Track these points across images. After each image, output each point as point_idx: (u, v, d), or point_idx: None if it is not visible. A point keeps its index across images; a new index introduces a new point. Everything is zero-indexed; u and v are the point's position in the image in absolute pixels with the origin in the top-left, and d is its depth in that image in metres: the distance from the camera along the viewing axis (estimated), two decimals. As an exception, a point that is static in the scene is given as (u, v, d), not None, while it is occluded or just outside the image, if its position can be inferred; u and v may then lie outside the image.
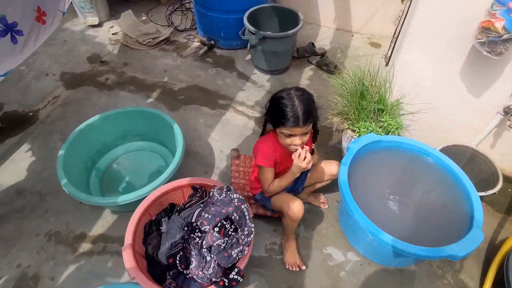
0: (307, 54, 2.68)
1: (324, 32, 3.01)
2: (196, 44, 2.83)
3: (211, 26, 2.65)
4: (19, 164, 1.87)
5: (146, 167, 1.86)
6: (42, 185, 1.77)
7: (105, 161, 1.85)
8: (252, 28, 2.22)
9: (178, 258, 1.21)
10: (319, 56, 2.66)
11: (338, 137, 1.99)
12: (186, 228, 1.28)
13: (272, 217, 1.63)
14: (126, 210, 1.64)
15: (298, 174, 1.29)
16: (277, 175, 1.39)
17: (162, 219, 1.43)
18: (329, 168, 1.53)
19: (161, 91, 2.37)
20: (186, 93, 2.36)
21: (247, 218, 1.24)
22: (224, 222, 1.18)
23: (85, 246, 1.55)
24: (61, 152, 1.58)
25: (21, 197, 1.72)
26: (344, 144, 1.79)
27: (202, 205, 1.38)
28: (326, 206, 1.73)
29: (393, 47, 2.13)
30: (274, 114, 1.21)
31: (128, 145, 1.93)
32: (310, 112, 1.18)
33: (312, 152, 1.41)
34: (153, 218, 1.45)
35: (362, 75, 1.72)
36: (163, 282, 1.26)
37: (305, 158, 1.22)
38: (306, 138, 1.25)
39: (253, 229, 1.22)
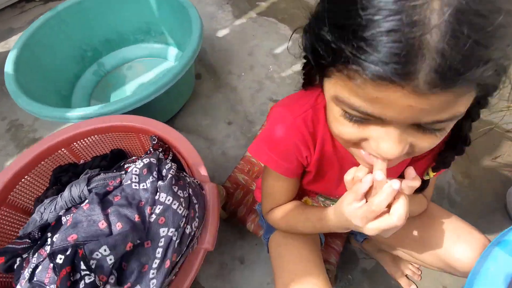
0: None
1: None
2: None
3: None
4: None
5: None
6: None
7: (114, 59, 1.30)
8: None
9: (17, 262, 0.57)
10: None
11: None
12: (66, 210, 0.61)
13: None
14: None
15: (344, 232, 0.42)
16: (308, 184, 0.53)
17: (89, 170, 0.80)
18: (451, 246, 0.51)
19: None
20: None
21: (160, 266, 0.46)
22: (84, 253, 0.45)
23: (31, 158, 1.11)
24: (41, 19, 1.08)
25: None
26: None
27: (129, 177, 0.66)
28: (419, 278, 0.78)
29: None
30: (336, 18, 0.26)
31: (150, 46, 1.32)
32: (471, 51, 0.21)
33: (423, 187, 0.48)
34: (80, 162, 0.84)
35: None
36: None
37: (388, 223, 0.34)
38: (426, 145, 0.29)
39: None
